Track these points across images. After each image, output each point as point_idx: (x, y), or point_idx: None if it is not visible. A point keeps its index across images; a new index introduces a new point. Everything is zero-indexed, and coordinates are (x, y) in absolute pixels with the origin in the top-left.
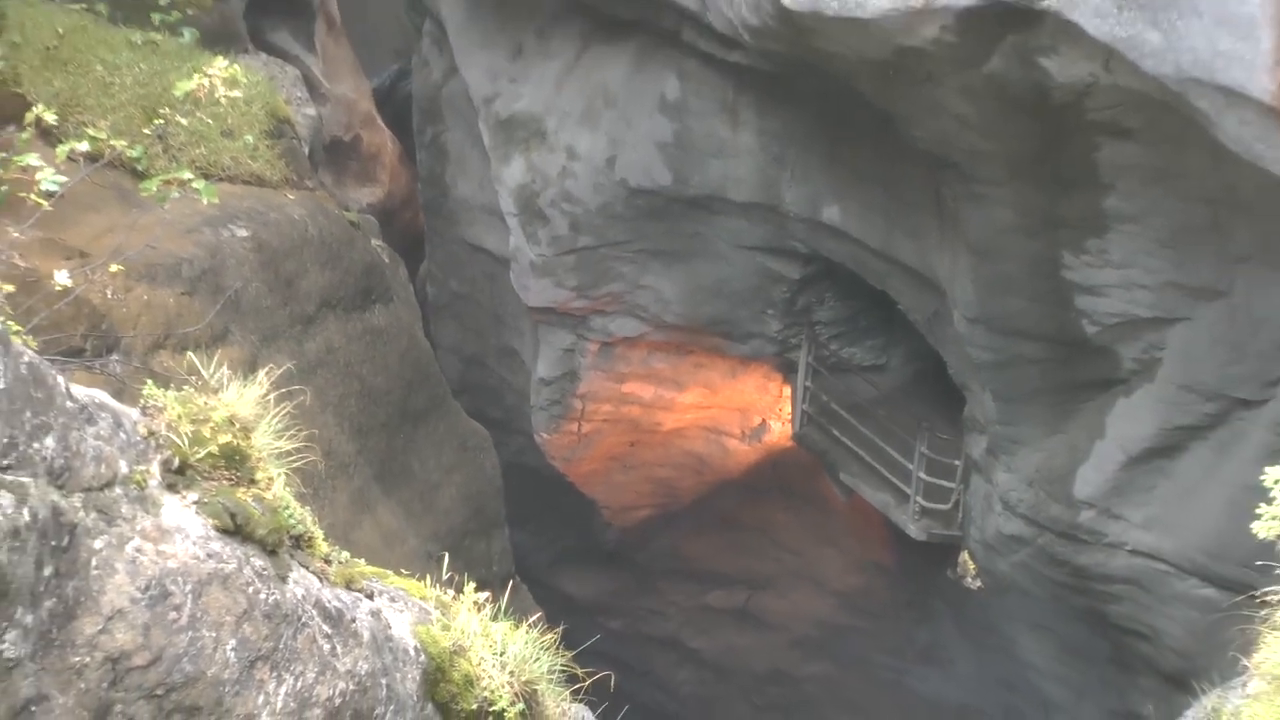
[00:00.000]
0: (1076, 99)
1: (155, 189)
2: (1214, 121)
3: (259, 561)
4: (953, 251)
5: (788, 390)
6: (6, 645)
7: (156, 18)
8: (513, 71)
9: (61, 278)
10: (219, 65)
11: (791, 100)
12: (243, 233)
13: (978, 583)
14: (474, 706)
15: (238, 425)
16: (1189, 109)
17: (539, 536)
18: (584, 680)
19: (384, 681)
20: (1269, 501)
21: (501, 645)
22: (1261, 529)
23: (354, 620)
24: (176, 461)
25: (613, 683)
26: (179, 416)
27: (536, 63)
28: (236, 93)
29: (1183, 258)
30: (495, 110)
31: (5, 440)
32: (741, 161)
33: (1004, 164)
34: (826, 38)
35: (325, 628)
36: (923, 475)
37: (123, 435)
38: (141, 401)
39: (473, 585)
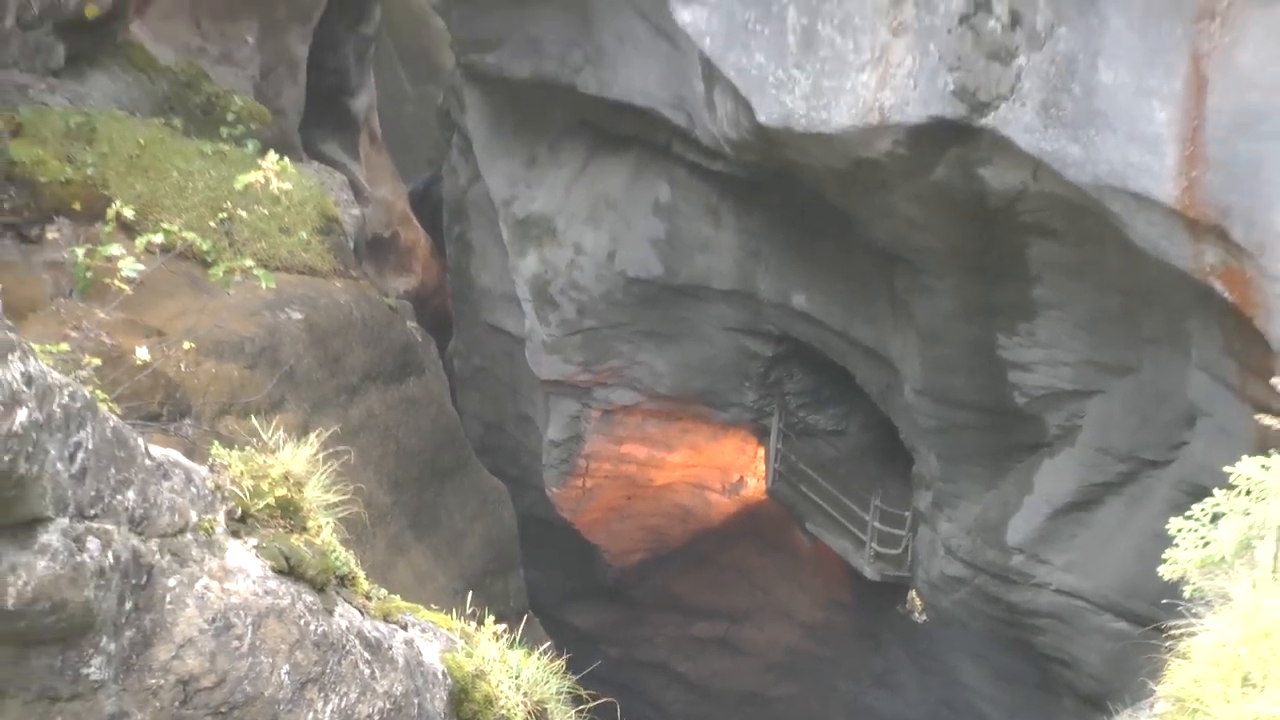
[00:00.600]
0: (1009, 203)
1: (222, 276)
2: (1126, 223)
3: (309, 597)
4: (903, 334)
5: (762, 451)
6: (93, 669)
7: (225, 131)
8: (528, 178)
9: (141, 353)
10: (272, 159)
11: (766, 204)
12: (297, 315)
13: (924, 617)
14: None
15: (292, 480)
16: (1105, 212)
17: (549, 576)
18: (588, 700)
19: (416, 701)
20: (1173, 547)
21: (516, 670)
22: (1167, 571)
23: (390, 648)
24: (239, 511)
25: (618, 711)
26: (241, 473)
27: (549, 171)
28: (288, 185)
29: (1099, 339)
30: (513, 211)
31: (93, 493)
32: (723, 256)
33: (947, 260)
34: (796, 150)
35: (366, 655)
36: (877, 525)
37: (193, 489)
38: (210, 460)
39: (492, 619)
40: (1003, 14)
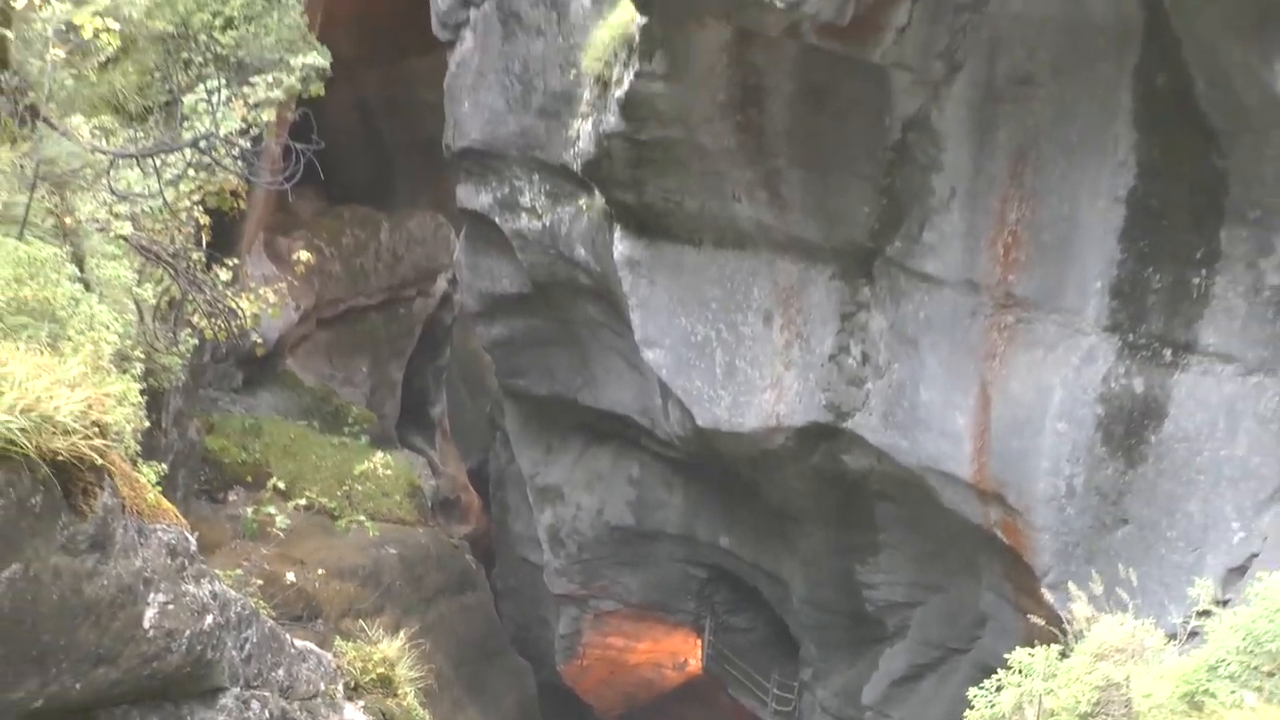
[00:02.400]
0: (862, 478)
1: (343, 526)
2: (939, 492)
3: None
4: (791, 563)
5: (699, 641)
6: None
7: (346, 430)
8: (545, 460)
9: (290, 577)
10: (379, 457)
11: (702, 477)
12: (393, 551)
13: None
14: None
15: (388, 662)
16: (925, 485)
17: None
18: None
19: None
20: (970, 709)
21: None
22: None
23: None
24: (353, 683)
25: None
26: (354, 657)
27: (559, 456)
28: (389, 471)
29: (922, 568)
30: (535, 482)
31: (256, 671)
32: (674, 512)
33: (820, 516)
34: (722, 443)
35: None
36: (776, 691)
37: (322, 668)
38: (333, 648)
39: None
40: (857, 355)
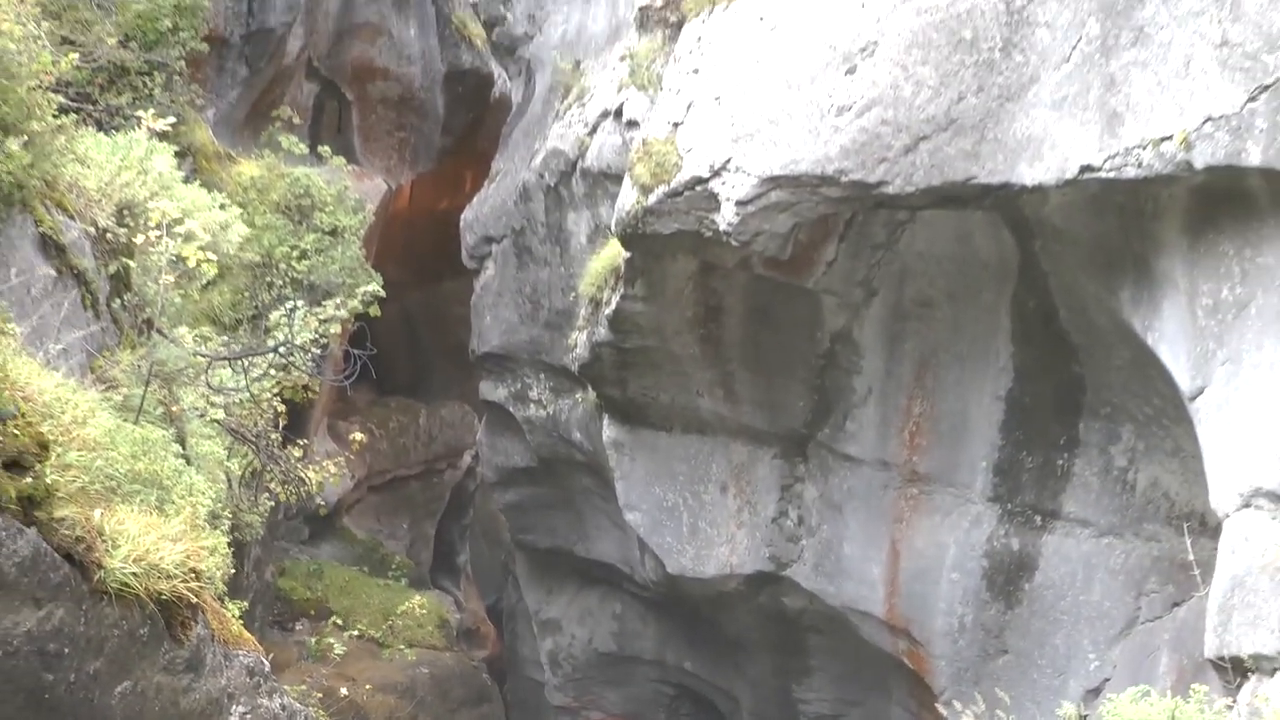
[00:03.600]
0: (798, 615)
1: (387, 652)
2: (859, 627)
3: None
4: (742, 682)
5: None
6: None
7: (390, 575)
8: (547, 600)
9: (344, 691)
10: (416, 598)
11: (672, 613)
12: (425, 671)
13: None
14: None
15: None
16: (848, 621)
17: None
18: None
19: None
20: None
21: None
22: None
23: None
24: None
25: None
26: None
27: (558, 596)
28: (423, 608)
29: (845, 686)
30: (539, 617)
31: None
32: (649, 640)
33: (764, 644)
34: (687, 586)
35: None
36: None
37: None
38: None
39: None
40: (794, 518)
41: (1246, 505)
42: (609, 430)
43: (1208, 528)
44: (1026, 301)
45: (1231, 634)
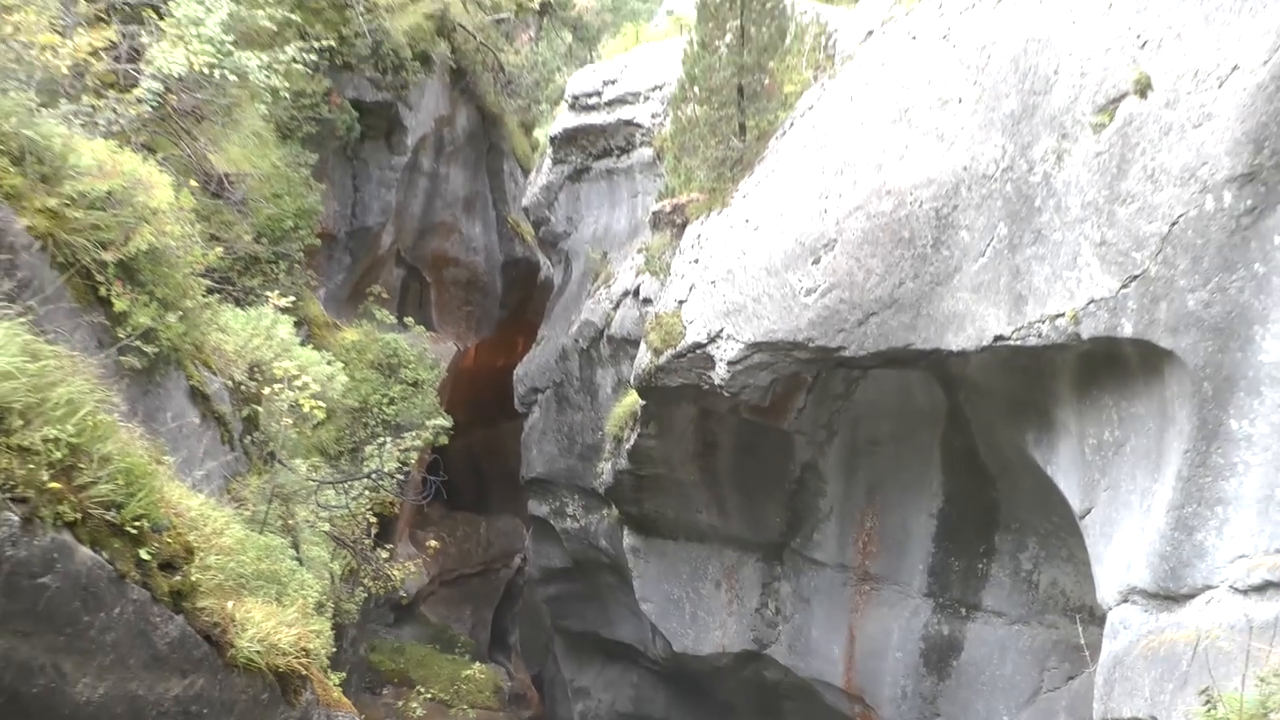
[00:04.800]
0: (775, 685)
1: (452, 710)
2: (823, 694)
3: None
4: None
5: None
6: None
7: (456, 650)
8: (579, 671)
9: None
10: (476, 667)
11: (679, 684)
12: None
13: None
14: None
15: None
16: (813, 690)
17: None
18: None
19: None
20: None
21: None
22: None
23: None
24: None
25: None
26: None
27: (587, 668)
28: (482, 676)
29: None
30: (572, 685)
31: None
32: (659, 706)
33: (748, 708)
34: (688, 661)
35: None
36: None
37: None
38: None
39: None
40: (773, 609)
41: (1124, 600)
42: (628, 539)
43: (1095, 618)
44: (953, 441)
45: (1114, 701)
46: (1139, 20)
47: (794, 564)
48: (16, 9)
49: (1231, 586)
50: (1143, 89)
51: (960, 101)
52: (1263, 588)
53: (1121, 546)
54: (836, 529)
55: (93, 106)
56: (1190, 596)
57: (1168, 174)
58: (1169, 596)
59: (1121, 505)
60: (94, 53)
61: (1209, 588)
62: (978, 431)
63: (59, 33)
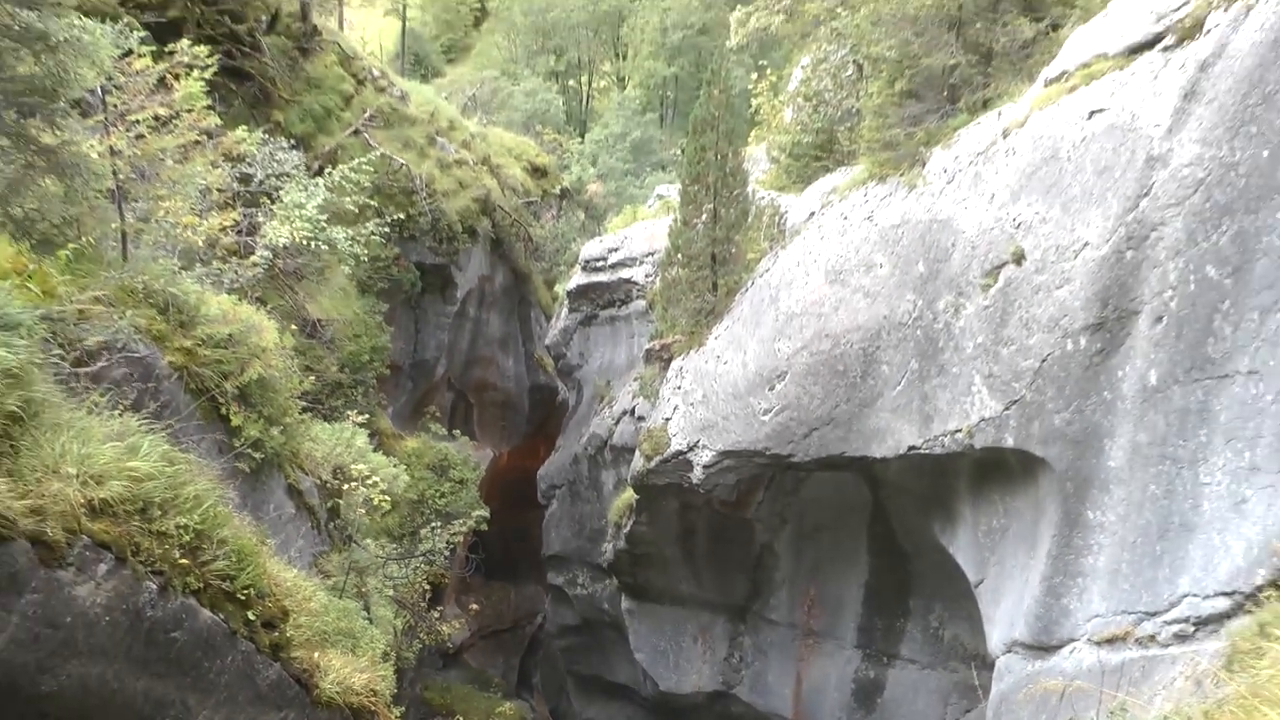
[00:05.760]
0: (739, 717)
1: None
2: None
3: None
4: None
5: None
6: None
7: (491, 689)
8: (588, 705)
9: None
10: (507, 704)
11: (664, 715)
12: None
13: None
14: None
15: None
16: None
17: None
18: None
19: None
20: None
21: None
22: None
23: None
24: None
25: None
26: None
27: (593, 704)
28: (511, 708)
29: None
30: (581, 717)
31: None
32: None
33: None
34: (673, 698)
35: None
36: None
37: None
38: None
39: None
40: (737, 658)
41: (1008, 650)
42: (625, 603)
43: (986, 664)
44: (877, 527)
45: None
46: (1015, 208)
47: (754, 623)
48: (167, 197)
49: (1089, 640)
50: (1018, 259)
51: (881, 267)
52: (1112, 640)
53: (1006, 609)
54: (787, 596)
55: (219, 269)
56: (1058, 647)
57: (1038, 323)
58: (1042, 648)
59: (1006, 577)
60: (222, 229)
61: (1072, 641)
62: (896, 520)
63: (198, 214)
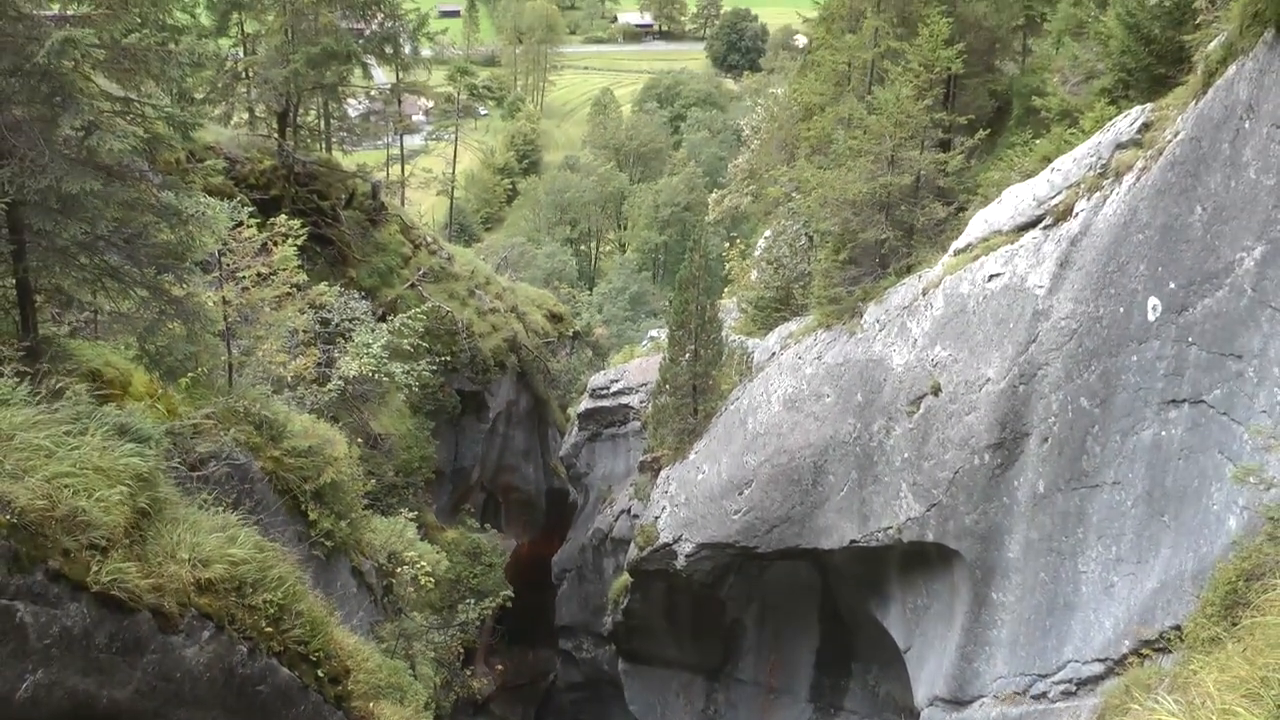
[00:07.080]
0: None
1: None
2: None
3: None
4: None
5: None
6: None
7: None
8: None
9: None
10: None
11: None
12: None
13: None
14: None
15: None
16: None
17: None
18: None
19: None
20: None
21: None
22: None
23: None
24: None
25: None
26: None
27: None
28: None
29: None
30: None
31: None
32: None
33: None
34: None
35: None
36: None
37: None
38: None
39: None
40: (712, 710)
41: (931, 704)
42: (621, 665)
43: (914, 715)
44: (825, 605)
45: None
46: (933, 350)
47: (726, 682)
48: (265, 338)
49: (995, 696)
50: (936, 391)
51: (828, 396)
52: (1012, 697)
53: (929, 670)
54: (754, 659)
55: (303, 394)
56: (970, 702)
57: (952, 442)
58: (958, 702)
59: (929, 645)
60: (306, 365)
61: (981, 697)
62: (840, 599)
63: (287, 351)
